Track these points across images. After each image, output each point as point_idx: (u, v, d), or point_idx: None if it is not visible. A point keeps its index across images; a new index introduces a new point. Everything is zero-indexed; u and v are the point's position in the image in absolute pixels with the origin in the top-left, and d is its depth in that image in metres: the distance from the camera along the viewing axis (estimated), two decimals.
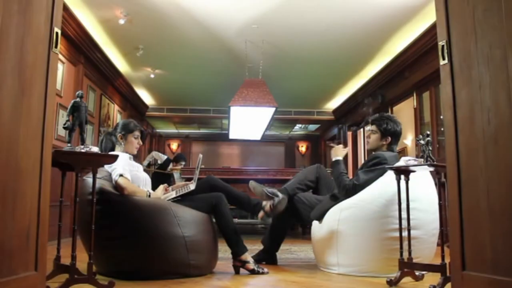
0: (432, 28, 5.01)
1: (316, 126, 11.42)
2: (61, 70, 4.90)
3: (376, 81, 7.03)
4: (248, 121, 6.50)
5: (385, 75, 6.62)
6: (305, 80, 7.47)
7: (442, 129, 5.49)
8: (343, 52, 6.06)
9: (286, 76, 7.17)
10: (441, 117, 5.54)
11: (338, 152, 2.95)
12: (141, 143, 2.86)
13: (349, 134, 9.43)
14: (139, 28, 5.28)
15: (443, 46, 2.08)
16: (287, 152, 12.70)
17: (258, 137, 8.59)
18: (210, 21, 5.09)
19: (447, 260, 2.10)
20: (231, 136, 8.52)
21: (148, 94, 8.63)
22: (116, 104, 7.32)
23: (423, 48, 5.40)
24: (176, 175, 4.88)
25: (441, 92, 2.07)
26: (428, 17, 4.91)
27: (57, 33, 1.86)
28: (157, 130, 11.87)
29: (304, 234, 5.89)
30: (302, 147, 12.74)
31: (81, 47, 5.31)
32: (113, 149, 2.79)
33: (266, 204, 2.73)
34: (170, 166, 6.49)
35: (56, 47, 1.88)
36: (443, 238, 2.16)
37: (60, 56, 4.85)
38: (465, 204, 1.81)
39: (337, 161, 2.87)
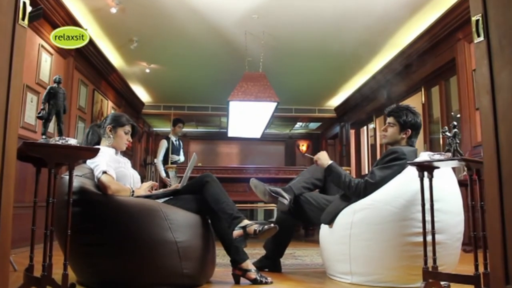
0: (444, 17, 4.73)
1: (317, 124, 11.14)
2: (49, 62, 4.61)
3: (381, 76, 6.74)
4: (248, 117, 6.20)
5: (391, 69, 6.33)
6: (306, 76, 7.18)
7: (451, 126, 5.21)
8: (347, 45, 5.77)
9: (287, 71, 6.87)
10: (452, 113, 5.27)
11: (326, 156, 2.66)
12: (130, 139, 2.56)
13: (352, 132, 9.16)
14: (133, 18, 4.99)
15: (477, 20, 1.79)
16: (287, 151, 12.41)
17: (258, 135, 8.29)
18: (207, 10, 4.80)
19: (480, 270, 1.83)
20: (230, 134, 8.22)
21: (144, 91, 8.33)
22: (110, 100, 7.02)
23: (433, 40, 5.11)
24: (171, 173, 4.59)
25: (476, 75, 1.76)
26: (439, 6, 4.63)
27: (24, 2, 1.58)
28: (154, 129, 11.58)
29: (307, 236, 5.61)
30: (303, 146, 12.45)
31: None
32: (98, 143, 2.50)
33: (252, 225, 2.16)
34: (160, 164, 6.17)
35: (23, 19, 1.59)
36: (476, 243, 1.87)
37: (48, 47, 4.55)
38: (507, 204, 1.53)
39: (331, 166, 2.58)
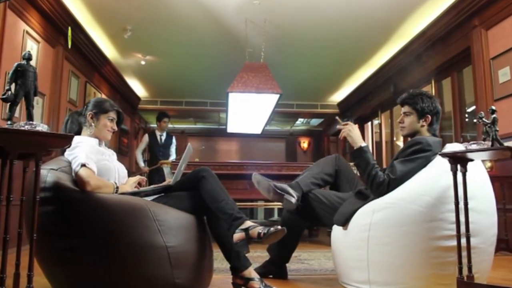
0: (458, 3, 4.42)
1: (319, 120, 10.83)
2: (36, 50, 4.29)
3: (387, 68, 6.44)
4: (248, 110, 5.89)
5: (399, 61, 6.02)
6: (309, 68, 6.88)
7: (467, 120, 4.91)
8: (352, 35, 5.46)
9: (289, 63, 6.57)
10: (466, 108, 4.96)
11: (359, 135, 2.30)
12: (115, 128, 2.23)
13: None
14: (126, 4, 4.68)
15: None
16: (288, 148, 12.11)
17: (258, 130, 7.99)
18: None
19: None
20: (230, 130, 7.92)
21: (139, 85, 8.02)
22: (103, 94, 6.70)
23: (446, 28, 4.80)
24: (166, 170, 4.30)
25: None
26: None
27: None
28: (151, 125, 11.25)
29: (311, 236, 5.30)
30: (304, 143, 12.15)
31: (60, 26, 4.69)
32: (79, 133, 2.19)
33: (255, 227, 1.86)
34: (139, 155, 5.88)
35: None
36: None
37: (34, 33, 4.24)
38: None
39: (362, 149, 2.24)
